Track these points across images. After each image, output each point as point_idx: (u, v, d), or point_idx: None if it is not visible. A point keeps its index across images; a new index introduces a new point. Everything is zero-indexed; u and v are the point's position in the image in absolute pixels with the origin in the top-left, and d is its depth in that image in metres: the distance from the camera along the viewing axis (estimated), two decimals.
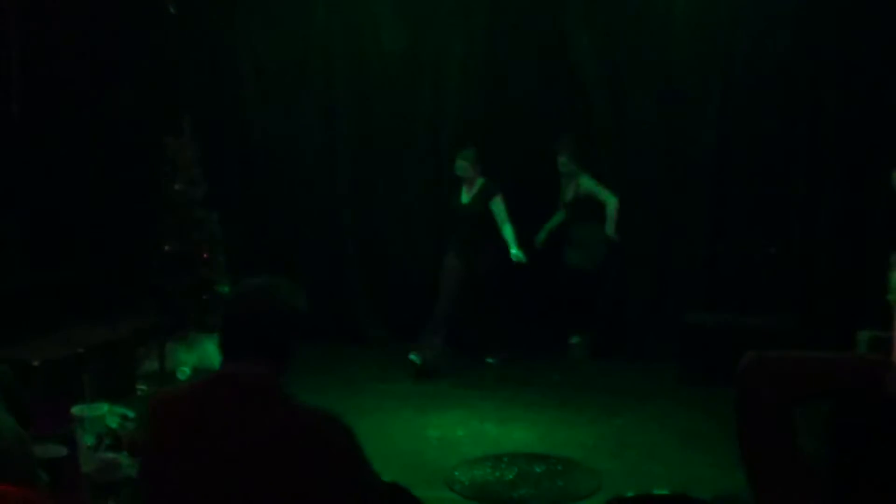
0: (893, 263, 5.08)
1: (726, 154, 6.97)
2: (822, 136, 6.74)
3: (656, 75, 7.05)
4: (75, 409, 4.47)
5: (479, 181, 6.66)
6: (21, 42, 6.76)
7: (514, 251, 6.47)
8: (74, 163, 7.15)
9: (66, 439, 3.54)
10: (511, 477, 3.75)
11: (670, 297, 7.11)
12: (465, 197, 6.69)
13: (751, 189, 6.90)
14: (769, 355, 1.93)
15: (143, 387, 6.23)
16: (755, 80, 6.82)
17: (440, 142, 7.47)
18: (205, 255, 6.62)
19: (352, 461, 2.11)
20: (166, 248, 6.59)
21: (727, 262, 6.84)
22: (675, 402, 6.06)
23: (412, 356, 6.47)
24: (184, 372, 6.42)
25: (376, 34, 7.51)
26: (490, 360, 6.85)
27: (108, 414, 4.19)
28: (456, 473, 3.76)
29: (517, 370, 6.74)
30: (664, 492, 3.58)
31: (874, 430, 1.80)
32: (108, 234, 7.25)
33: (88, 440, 3.81)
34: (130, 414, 4.46)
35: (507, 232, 6.53)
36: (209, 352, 6.39)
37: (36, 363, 5.43)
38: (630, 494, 3.26)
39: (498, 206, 6.56)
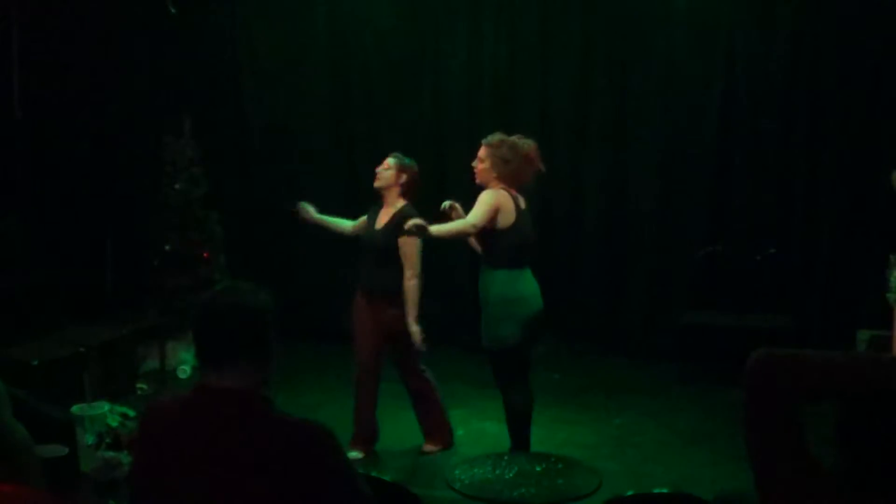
0: (893, 263, 5.10)
1: (726, 154, 6.97)
2: (822, 136, 6.74)
3: (657, 75, 7.04)
4: (75, 409, 4.47)
5: None
6: (22, 42, 6.77)
7: None
8: (75, 163, 7.16)
9: (66, 439, 3.54)
10: (511, 475, 3.74)
11: (670, 297, 7.11)
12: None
13: (751, 189, 6.90)
14: (779, 353, 1.91)
15: (143, 386, 6.23)
16: (755, 80, 6.82)
17: (444, 142, 7.46)
18: (205, 255, 6.63)
19: (336, 473, 2.11)
20: (166, 248, 6.59)
21: (727, 262, 6.84)
22: (675, 401, 6.07)
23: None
24: (184, 371, 6.42)
25: (378, 33, 7.50)
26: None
27: (109, 413, 4.19)
28: (456, 472, 3.76)
29: None
30: (664, 491, 3.57)
31: (884, 430, 1.80)
32: (108, 234, 7.25)
33: (89, 439, 3.81)
34: (131, 413, 4.46)
35: None
36: None
37: (36, 363, 5.44)
38: (630, 494, 3.26)
39: None
